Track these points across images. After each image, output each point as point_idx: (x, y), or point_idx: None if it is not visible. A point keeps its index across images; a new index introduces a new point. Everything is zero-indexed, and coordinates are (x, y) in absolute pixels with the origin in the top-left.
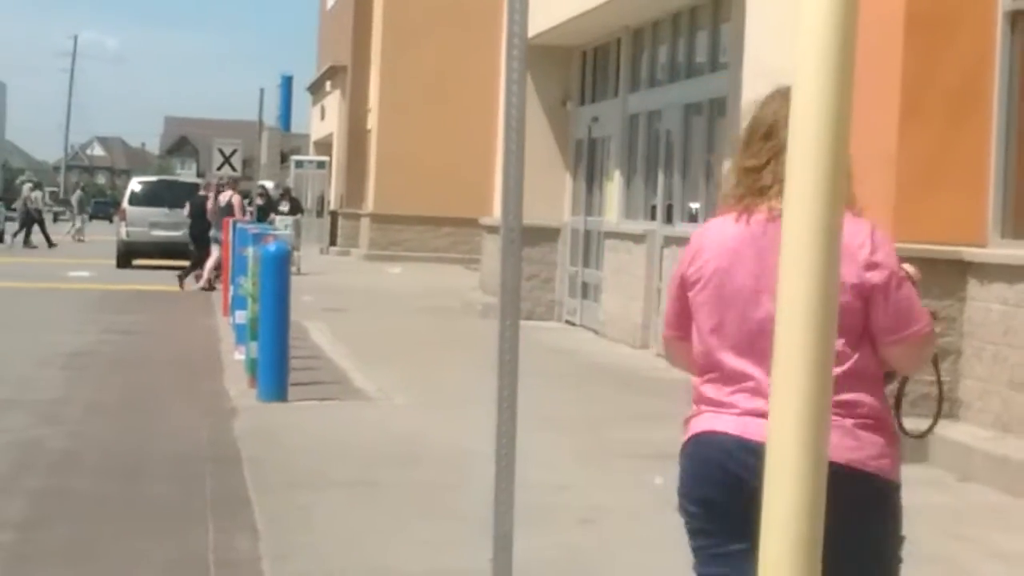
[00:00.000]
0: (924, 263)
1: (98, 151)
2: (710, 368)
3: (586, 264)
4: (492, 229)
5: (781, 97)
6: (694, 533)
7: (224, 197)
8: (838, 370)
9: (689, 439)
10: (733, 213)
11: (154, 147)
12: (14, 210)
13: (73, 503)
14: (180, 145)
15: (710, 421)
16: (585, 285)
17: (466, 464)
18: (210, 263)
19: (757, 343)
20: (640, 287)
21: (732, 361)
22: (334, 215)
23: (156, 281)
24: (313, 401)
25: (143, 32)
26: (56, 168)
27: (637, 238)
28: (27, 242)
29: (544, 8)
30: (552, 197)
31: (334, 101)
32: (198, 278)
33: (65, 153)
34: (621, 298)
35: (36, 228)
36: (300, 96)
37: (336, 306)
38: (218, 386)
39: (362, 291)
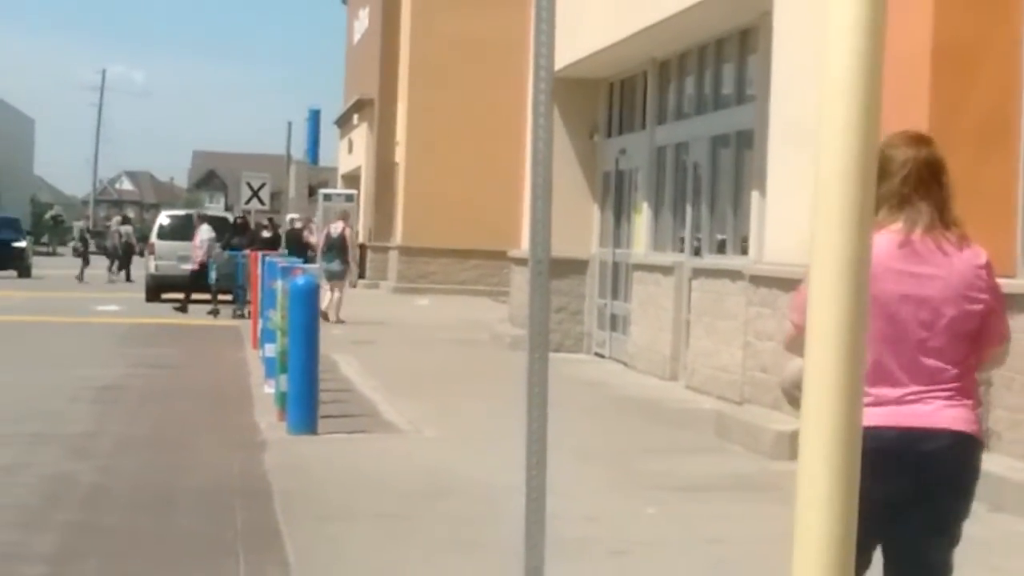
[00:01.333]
0: None
1: (127, 185)
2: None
3: (615, 296)
4: (520, 261)
5: (896, 137)
6: None
7: (335, 228)
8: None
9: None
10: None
11: (183, 181)
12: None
13: (104, 537)
14: (208, 179)
15: (873, 416)
16: (614, 317)
17: (496, 496)
18: (336, 295)
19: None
20: (668, 319)
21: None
22: (362, 248)
23: (185, 315)
24: (343, 434)
25: (170, 66)
26: (85, 202)
27: (665, 270)
28: (128, 277)
29: (571, 41)
30: (580, 229)
31: (362, 134)
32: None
33: (94, 187)
34: (650, 330)
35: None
36: (328, 130)
37: (365, 339)
38: (248, 419)
39: (391, 324)
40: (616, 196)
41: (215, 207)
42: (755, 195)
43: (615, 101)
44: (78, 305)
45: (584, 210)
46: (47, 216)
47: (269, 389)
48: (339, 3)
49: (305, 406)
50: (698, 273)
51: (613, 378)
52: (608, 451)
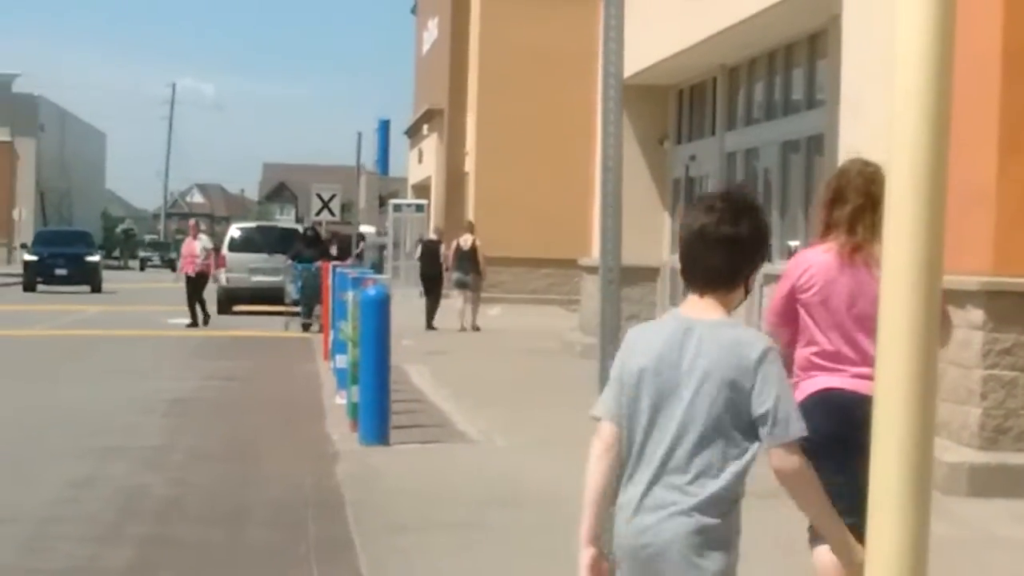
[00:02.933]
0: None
1: (198, 198)
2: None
3: (675, 305)
4: (591, 269)
5: (851, 167)
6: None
7: (465, 241)
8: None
9: (811, 394)
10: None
11: (253, 193)
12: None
13: (177, 550)
14: (279, 191)
15: (825, 381)
16: None
17: (568, 506)
18: (460, 305)
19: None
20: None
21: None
22: None
23: (257, 326)
24: (415, 444)
25: (240, 78)
26: (156, 216)
27: None
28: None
29: (639, 48)
30: (651, 237)
31: (431, 144)
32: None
33: (164, 200)
34: None
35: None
36: (398, 140)
37: (436, 349)
38: (320, 430)
39: (462, 333)
40: (686, 202)
41: (286, 219)
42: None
43: (684, 108)
44: (150, 318)
45: (654, 217)
46: (118, 230)
47: (341, 400)
48: (408, 14)
49: (377, 417)
50: (769, 279)
51: None
52: None
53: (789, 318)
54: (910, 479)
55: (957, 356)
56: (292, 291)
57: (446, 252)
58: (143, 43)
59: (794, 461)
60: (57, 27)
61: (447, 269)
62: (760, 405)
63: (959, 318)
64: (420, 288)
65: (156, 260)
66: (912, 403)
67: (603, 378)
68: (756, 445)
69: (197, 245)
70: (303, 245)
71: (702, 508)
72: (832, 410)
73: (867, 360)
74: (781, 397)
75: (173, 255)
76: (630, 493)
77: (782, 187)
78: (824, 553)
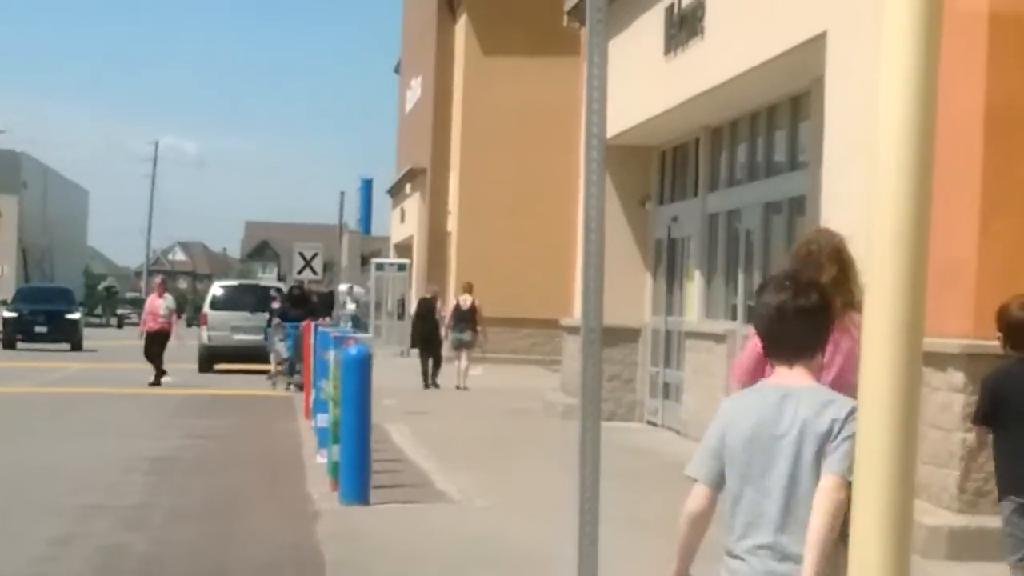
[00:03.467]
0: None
1: (180, 256)
2: None
3: (667, 364)
4: (573, 330)
5: (817, 235)
6: None
7: (465, 301)
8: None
9: None
10: None
11: (235, 251)
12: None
13: None
14: (261, 249)
15: None
16: (666, 385)
17: (548, 567)
18: (460, 364)
19: None
20: (721, 387)
21: None
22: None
23: (238, 385)
24: (395, 504)
25: (222, 137)
26: (138, 273)
27: (718, 338)
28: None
29: (622, 109)
30: (632, 297)
31: (414, 203)
32: (427, 378)
33: (147, 258)
34: (702, 398)
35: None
36: (380, 199)
37: (417, 409)
38: (301, 490)
39: (443, 392)
40: (668, 263)
41: (268, 277)
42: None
43: (667, 168)
44: (131, 376)
45: (636, 278)
46: (100, 287)
47: (321, 459)
48: (391, 72)
49: (357, 476)
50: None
51: (666, 446)
52: (661, 520)
53: (756, 376)
54: (890, 542)
55: (937, 419)
56: (282, 350)
57: (442, 311)
58: (126, 100)
59: (841, 494)
60: (40, 84)
61: (447, 328)
62: (834, 446)
63: (940, 380)
64: (403, 347)
65: (134, 318)
66: (892, 465)
67: (585, 438)
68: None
69: (161, 303)
70: (290, 304)
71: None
72: None
73: None
74: (852, 443)
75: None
76: (750, 543)
77: (764, 248)
78: None
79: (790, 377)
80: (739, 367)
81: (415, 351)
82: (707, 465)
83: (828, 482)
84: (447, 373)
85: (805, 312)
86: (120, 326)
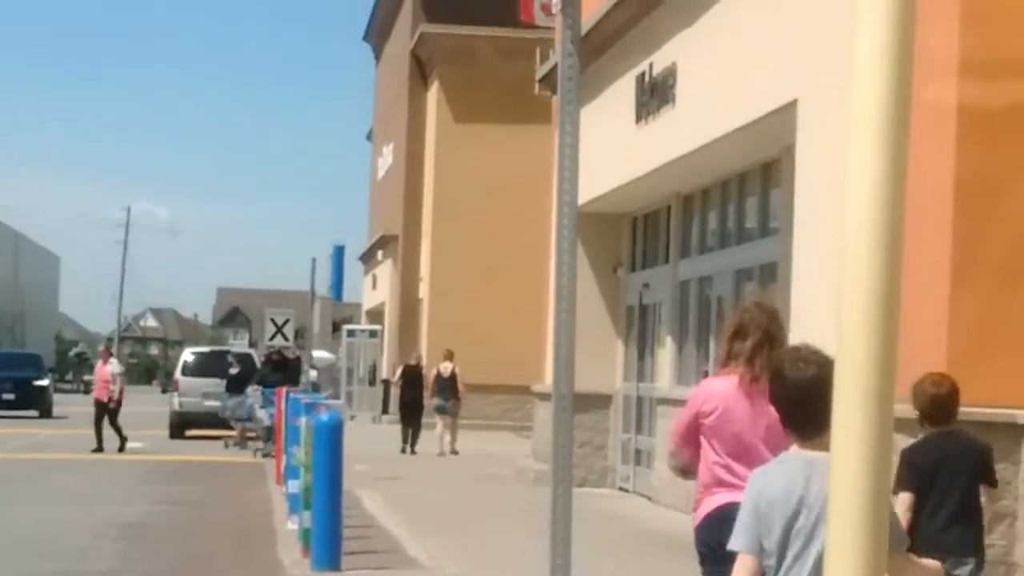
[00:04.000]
0: (979, 426)
1: (151, 322)
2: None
3: (639, 430)
4: (544, 396)
5: (753, 306)
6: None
7: (446, 368)
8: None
9: (717, 507)
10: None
11: (207, 318)
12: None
13: None
14: (233, 315)
15: (728, 497)
16: (638, 452)
17: None
18: (439, 430)
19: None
20: None
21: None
22: (386, 384)
23: (210, 451)
24: (366, 570)
25: (195, 203)
26: (110, 339)
27: None
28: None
29: (594, 176)
30: (604, 363)
31: (386, 270)
32: (406, 443)
33: (118, 324)
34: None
35: None
36: (352, 265)
37: (389, 475)
38: (271, 556)
39: (414, 460)
40: (640, 330)
41: (240, 343)
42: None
43: (638, 235)
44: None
45: (608, 344)
46: (72, 353)
47: (292, 525)
48: (364, 140)
49: (329, 542)
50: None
51: (638, 512)
52: None
53: (691, 439)
54: None
55: None
56: (264, 417)
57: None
58: (97, 166)
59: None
60: (12, 150)
61: (430, 395)
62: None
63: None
64: (375, 413)
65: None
66: (864, 535)
67: (556, 504)
68: None
69: (107, 370)
70: (270, 369)
71: None
72: (731, 523)
73: None
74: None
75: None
76: None
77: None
78: None
79: (812, 446)
80: (676, 432)
81: (386, 417)
82: (747, 536)
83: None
84: (426, 440)
85: (822, 382)
86: (87, 391)
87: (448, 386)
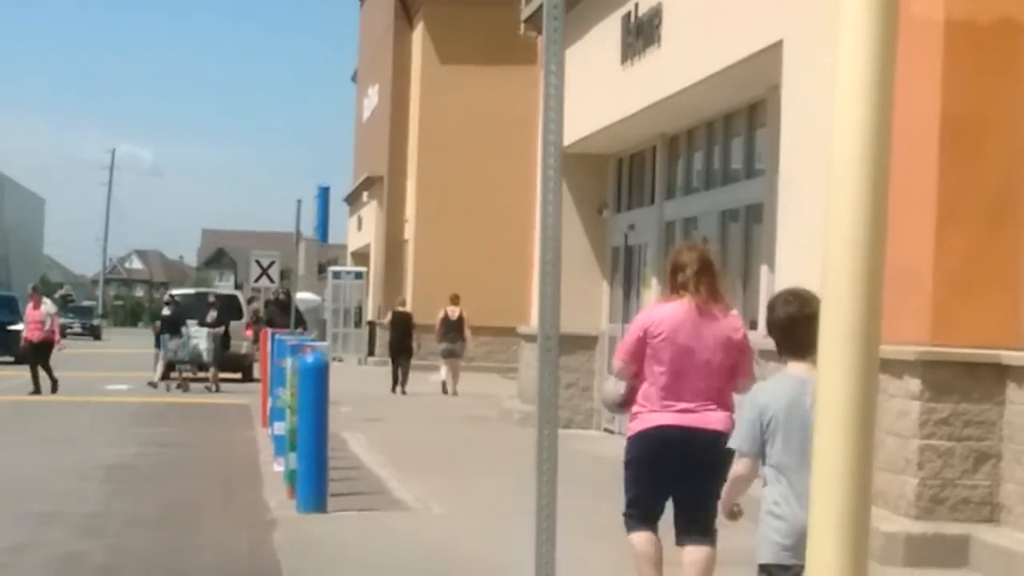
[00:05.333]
0: (963, 367)
1: (136, 264)
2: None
3: None
4: (529, 338)
5: (685, 247)
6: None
7: (453, 312)
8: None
9: (654, 426)
10: (672, 301)
11: (192, 259)
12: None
13: None
14: (218, 257)
15: (663, 418)
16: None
17: (506, 574)
18: (443, 373)
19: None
20: None
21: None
22: (372, 325)
23: (194, 393)
24: (352, 512)
25: (178, 145)
26: (94, 282)
27: None
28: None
29: (579, 117)
30: (589, 305)
31: (371, 211)
32: (396, 383)
33: (103, 267)
34: None
35: None
36: (337, 207)
37: (374, 416)
38: (257, 498)
39: (400, 401)
40: (625, 271)
41: (225, 285)
42: (764, 269)
43: (624, 176)
44: (87, 384)
45: (593, 286)
46: (57, 296)
47: (278, 467)
48: (349, 81)
49: (314, 484)
50: None
51: (623, 454)
52: (618, 527)
53: (637, 358)
54: (847, 548)
55: (894, 426)
56: (206, 352)
57: (415, 322)
58: (81, 108)
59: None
60: None
61: (436, 337)
62: None
63: (897, 388)
64: (360, 355)
65: (77, 327)
66: (849, 473)
67: (542, 446)
68: None
69: (40, 312)
70: (278, 310)
71: None
72: (666, 439)
73: (698, 397)
74: None
75: (96, 322)
76: (796, 508)
77: (721, 256)
78: (640, 539)
79: (803, 369)
80: (622, 350)
81: (372, 359)
82: (749, 440)
83: None
84: (426, 380)
85: (807, 316)
86: (63, 335)
87: (456, 329)
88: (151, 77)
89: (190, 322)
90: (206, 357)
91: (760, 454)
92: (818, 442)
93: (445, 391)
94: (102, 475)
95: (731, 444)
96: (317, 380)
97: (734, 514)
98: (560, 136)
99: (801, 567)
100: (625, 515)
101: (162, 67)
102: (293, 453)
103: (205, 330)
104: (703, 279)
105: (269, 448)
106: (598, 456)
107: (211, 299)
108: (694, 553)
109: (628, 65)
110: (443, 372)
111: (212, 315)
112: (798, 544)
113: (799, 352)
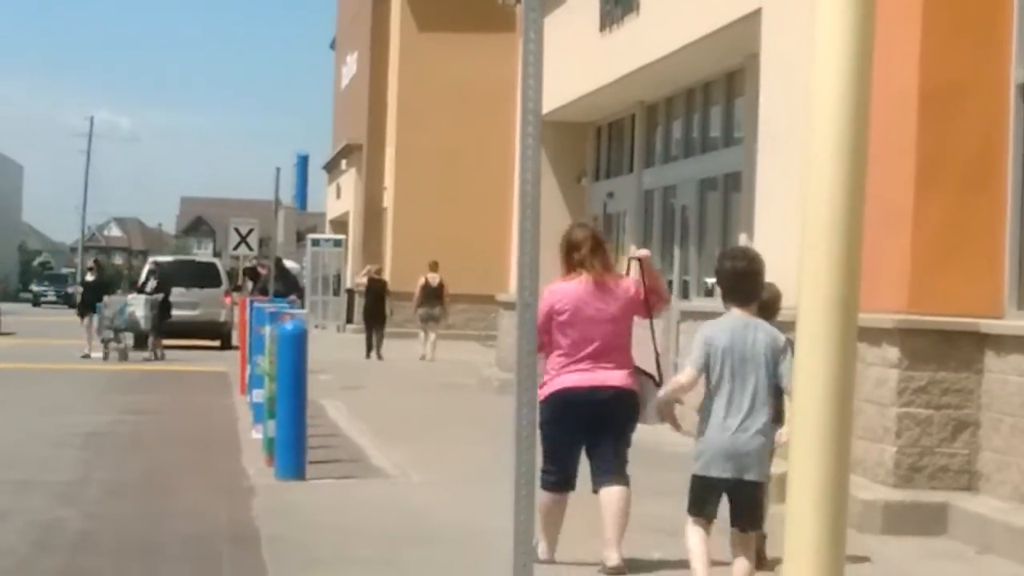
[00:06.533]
0: (941, 335)
1: (115, 232)
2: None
3: None
4: (508, 305)
5: (575, 226)
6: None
7: (434, 279)
8: (625, 348)
9: (560, 389)
10: (571, 279)
11: (171, 227)
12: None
13: None
14: (197, 225)
15: (568, 380)
16: None
17: (484, 541)
18: (422, 338)
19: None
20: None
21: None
22: (350, 293)
23: (172, 361)
24: (331, 479)
25: (157, 112)
26: (73, 249)
27: None
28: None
29: (558, 84)
30: None
31: (350, 179)
32: (371, 349)
33: (82, 234)
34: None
35: None
36: (316, 175)
37: (353, 384)
38: (236, 465)
39: (378, 369)
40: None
41: (204, 253)
42: (743, 237)
43: (603, 144)
44: (61, 352)
45: None
46: (35, 263)
47: (257, 435)
48: (327, 48)
49: (293, 452)
50: (686, 316)
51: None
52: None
53: (544, 331)
54: (826, 515)
55: (872, 394)
56: (142, 320)
57: (391, 289)
58: (59, 75)
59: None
60: None
61: (414, 303)
62: (783, 371)
63: (875, 356)
64: (339, 323)
65: (51, 295)
66: (827, 440)
67: (521, 413)
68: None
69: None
70: (280, 279)
71: (765, 431)
72: (570, 399)
73: (599, 360)
74: (791, 367)
75: (71, 290)
76: (730, 422)
77: (699, 224)
78: (547, 497)
79: (744, 313)
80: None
81: (351, 326)
82: (693, 359)
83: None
84: (404, 347)
85: (753, 272)
86: (36, 304)
87: (436, 295)
88: (129, 44)
89: (150, 291)
90: (143, 325)
91: (703, 371)
92: (797, 410)
93: (423, 357)
94: (79, 443)
95: (683, 362)
96: (296, 347)
97: (670, 414)
98: (539, 104)
99: (715, 479)
100: (542, 472)
101: (139, 34)
102: (272, 421)
103: (143, 297)
104: (597, 255)
105: (247, 416)
106: None
107: (151, 267)
108: (609, 494)
109: (607, 33)
110: (422, 339)
111: (152, 283)
112: (711, 460)
113: (743, 301)
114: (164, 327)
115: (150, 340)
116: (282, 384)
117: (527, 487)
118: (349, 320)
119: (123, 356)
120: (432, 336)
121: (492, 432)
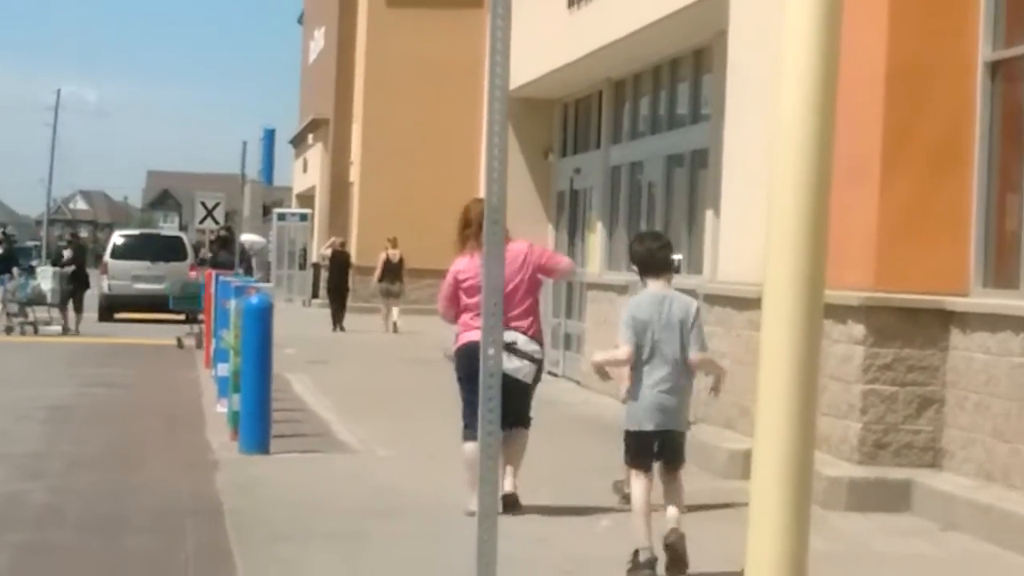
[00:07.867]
0: (906, 313)
1: (81, 205)
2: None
3: (568, 315)
4: None
5: (473, 202)
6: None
7: (395, 255)
8: (529, 309)
9: (464, 344)
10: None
11: (137, 201)
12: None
13: (54, 557)
14: (163, 199)
15: (474, 336)
16: (567, 336)
17: (449, 516)
18: (384, 312)
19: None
20: None
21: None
22: (316, 267)
23: (138, 334)
24: (295, 453)
25: (124, 85)
26: (39, 222)
27: (619, 289)
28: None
29: (525, 61)
30: None
31: (316, 154)
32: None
33: (48, 207)
34: (604, 349)
35: None
36: (283, 149)
37: (318, 358)
38: (200, 439)
39: (344, 343)
40: (570, 215)
41: (170, 227)
42: (709, 214)
43: (569, 121)
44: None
45: (538, 229)
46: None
47: (221, 409)
48: (295, 23)
49: (257, 426)
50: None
51: (567, 396)
52: (561, 470)
53: (453, 301)
54: (790, 492)
55: (837, 371)
56: (49, 294)
57: (354, 263)
58: (25, 47)
59: (705, 356)
60: None
61: (375, 278)
62: (695, 335)
63: (840, 333)
64: (305, 297)
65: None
66: (792, 417)
67: (485, 388)
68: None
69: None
70: (219, 247)
71: (686, 388)
72: (473, 354)
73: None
74: (703, 331)
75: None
76: (655, 379)
77: (666, 201)
78: (471, 447)
79: (660, 286)
80: (443, 298)
81: (317, 300)
82: (622, 335)
83: (699, 357)
84: (369, 321)
85: (666, 249)
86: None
87: (396, 270)
88: (97, 18)
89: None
90: (50, 298)
91: (634, 345)
92: (762, 386)
93: (387, 330)
94: (42, 415)
95: (618, 340)
96: (261, 321)
97: (604, 373)
98: (506, 80)
99: (647, 432)
100: (464, 427)
101: (108, 7)
102: (236, 395)
103: (51, 270)
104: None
105: (212, 389)
106: (541, 399)
107: (67, 239)
108: (509, 436)
109: (575, 9)
110: (383, 313)
111: (67, 254)
112: (642, 417)
113: (656, 273)
114: (131, 301)
115: (67, 314)
116: (247, 358)
117: (491, 462)
118: (315, 295)
119: (29, 329)
120: (395, 311)
121: (456, 406)
